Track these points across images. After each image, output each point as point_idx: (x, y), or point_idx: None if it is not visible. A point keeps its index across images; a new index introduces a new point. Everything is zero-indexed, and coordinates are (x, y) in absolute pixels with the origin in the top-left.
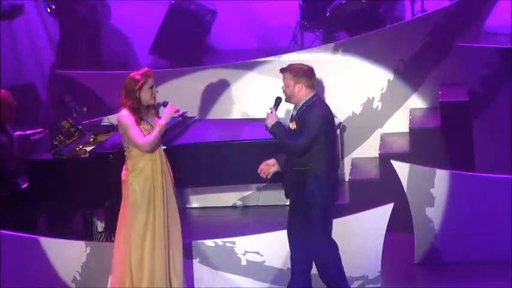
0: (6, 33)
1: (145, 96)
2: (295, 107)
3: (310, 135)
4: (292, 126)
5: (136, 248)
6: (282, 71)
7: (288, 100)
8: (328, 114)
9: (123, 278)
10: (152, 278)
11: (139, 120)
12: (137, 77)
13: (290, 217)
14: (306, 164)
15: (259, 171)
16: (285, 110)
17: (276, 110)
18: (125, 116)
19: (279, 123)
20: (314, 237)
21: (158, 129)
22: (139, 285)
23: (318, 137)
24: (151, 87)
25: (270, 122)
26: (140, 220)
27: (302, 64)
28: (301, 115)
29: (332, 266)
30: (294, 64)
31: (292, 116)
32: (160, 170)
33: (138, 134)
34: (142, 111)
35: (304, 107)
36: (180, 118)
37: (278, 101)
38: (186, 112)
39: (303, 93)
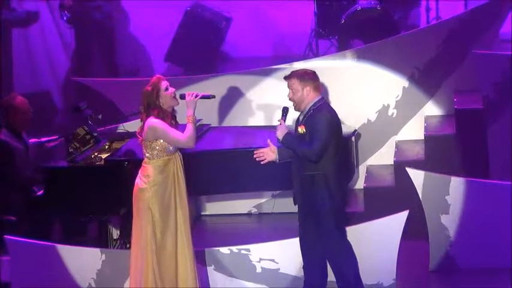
0: (22, 40)
1: (165, 100)
2: (301, 112)
3: (322, 138)
4: (302, 130)
5: (154, 255)
6: (287, 78)
7: (297, 108)
8: (335, 118)
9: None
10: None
11: (170, 124)
12: (149, 88)
13: (302, 227)
14: (316, 168)
15: (254, 155)
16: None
17: (285, 120)
18: (157, 122)
19: (289, 134)
20: (329, 245)
21: (191, 120)
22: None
23: (329, 139)
24: (167, 89)
25: (281, 134)
26: (159, 230)
27: (305, 69)
28: (309, 119)
29: (349, 274)
30: (297, 70)
31: (298, 120)
32: (180, 178)
33: (178, 133)
34: (169, 117)
35: (311, 111)
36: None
37: (285, 111)
38: (201, 119)
39: (311, 97)
